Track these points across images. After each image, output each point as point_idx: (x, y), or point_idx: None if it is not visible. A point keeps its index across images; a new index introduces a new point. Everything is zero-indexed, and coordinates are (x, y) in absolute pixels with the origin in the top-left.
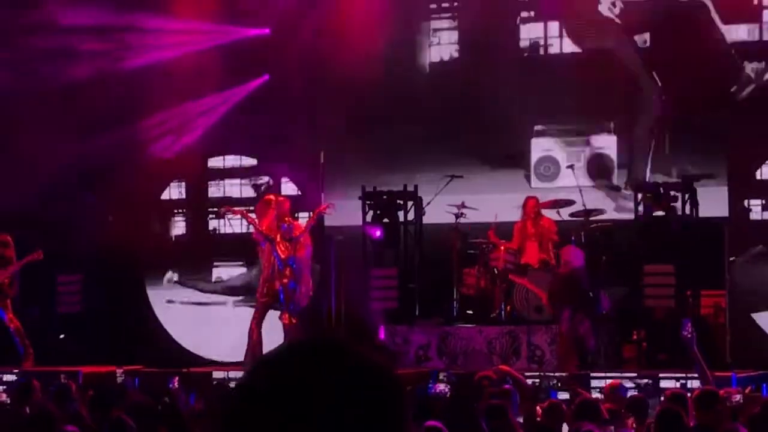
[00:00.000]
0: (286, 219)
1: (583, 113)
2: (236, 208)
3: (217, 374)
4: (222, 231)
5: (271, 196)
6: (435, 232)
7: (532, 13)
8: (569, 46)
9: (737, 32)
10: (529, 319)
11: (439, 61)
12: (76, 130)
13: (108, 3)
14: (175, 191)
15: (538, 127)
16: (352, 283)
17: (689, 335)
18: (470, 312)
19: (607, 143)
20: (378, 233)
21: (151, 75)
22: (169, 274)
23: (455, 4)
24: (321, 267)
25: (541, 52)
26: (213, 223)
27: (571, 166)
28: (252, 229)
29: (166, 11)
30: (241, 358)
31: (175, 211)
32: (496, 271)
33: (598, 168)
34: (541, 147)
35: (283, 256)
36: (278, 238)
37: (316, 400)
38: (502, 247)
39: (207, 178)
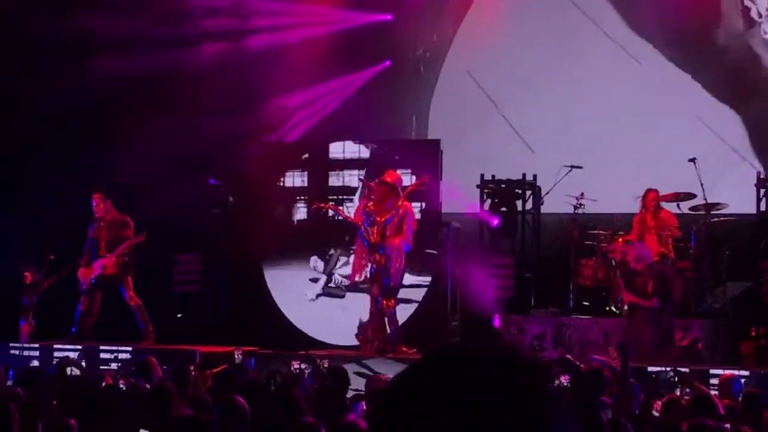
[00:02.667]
0: (369, 205)
1: None
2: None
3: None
4: (340, 217)
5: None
6: (553, 222)
7: None
8: None
9: None
10: None
11: None
12: (200, 112)
13: None
14: (298, 179)
15: None
16: (468, 270)
17: None
18: (586, 303)
19: None
20: (495, 222)
21: (274, 59)
22: (313, 262)
23: None
24: (438, 253)
25: None
26: (332, 211)
27: (693, 160)
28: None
29: None
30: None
31: (297, 198)
32: (613, 263)
33: None
34: None
35: (372, 241)
36: (363, 224)
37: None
38: (620, 239)
39: (327, 169)
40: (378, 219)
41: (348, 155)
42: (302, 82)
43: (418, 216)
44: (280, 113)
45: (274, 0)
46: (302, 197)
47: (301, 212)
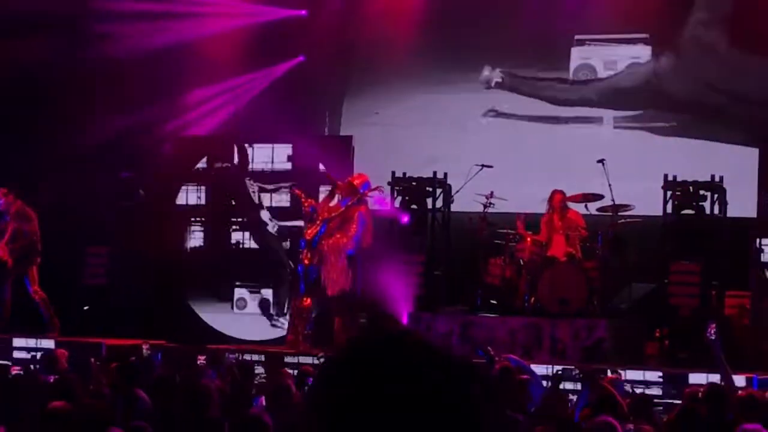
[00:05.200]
0: (307, 201)
1: (621, 25)
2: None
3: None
4: (247, 245)
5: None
6: (463, 221)
7: None
8: None
9: None
10: (552, 311)
11: None
12: (112, 106)
13: None
14: (192, 196)
15: (578, 37)
16: (378, 267)
17: (713, 337)
18: (494, 302)
19: (642, 53)
20: (405, 219)
21: (186, 52)
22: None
23: None
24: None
25: None
26: (236, 236)
27: (601, 161)
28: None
29: None
30: (259, 337)
31: (193, 219)
32: (521, 262)
33: (634, 76)
34: (580, 55)
35: (307, 238)
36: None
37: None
38: (529, 239)
39: (230, 187)
40: (319, 216)
41: (258, 156)
42: (215, 76)
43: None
44: (192, 107)
45: None
46: (199, 219)
47: (196, 238)
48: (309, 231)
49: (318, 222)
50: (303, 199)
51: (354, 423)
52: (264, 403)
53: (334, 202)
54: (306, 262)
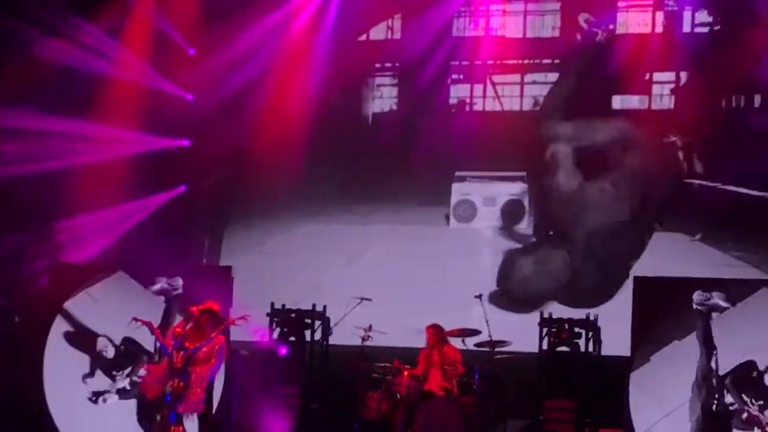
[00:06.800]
0: (176, 330)
1: (500, 163)
2: (141, 320)
3: None
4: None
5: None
6: (341, 354)
7: (461, 76)
8: (490, 105)
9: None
10: None
11: (381, 111)
12: None
13: (30, 104)
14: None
15: (459, 173)
16: (254, 399)
17: None
18: None
19: (519, 190)
20: (284, 351)
21: (66, 178)
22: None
23: (396, 64)
24: (224, 382)
25: (467, 109)
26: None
27: (479, 296)
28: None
29: (86, 116)
30: None
31: None
32: (398, 396)
33: (510, 212)
34: (460, 191)
35: (176, 366)
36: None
37: None
38: (406, 373)
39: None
40: (188, 345)
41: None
42: (95, 203)
43: None
44: (70, 234)
45: (73, 119)
46: None
47: None
48: (177, 360)
49: (189, 350)
50: (155, 328)
51: None
52: None
53: (192, 329)
54: (176, 386)
